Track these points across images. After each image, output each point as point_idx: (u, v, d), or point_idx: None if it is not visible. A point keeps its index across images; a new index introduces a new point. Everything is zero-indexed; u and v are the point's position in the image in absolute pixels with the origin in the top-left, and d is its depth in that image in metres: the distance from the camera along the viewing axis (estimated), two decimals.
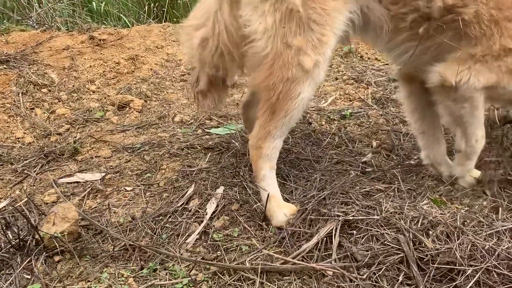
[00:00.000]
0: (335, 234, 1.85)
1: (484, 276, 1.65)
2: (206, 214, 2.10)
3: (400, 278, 1.69)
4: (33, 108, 3.23)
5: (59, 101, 3.31)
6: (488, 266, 1.67)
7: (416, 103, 2.29)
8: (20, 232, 1.93)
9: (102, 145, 2.80)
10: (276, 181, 2.09)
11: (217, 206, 2.15)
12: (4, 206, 2.24)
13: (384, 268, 1.72)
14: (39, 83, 3.44)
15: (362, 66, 3.88)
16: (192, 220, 2.08)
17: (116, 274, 1.81)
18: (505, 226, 1.85)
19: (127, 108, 3.24)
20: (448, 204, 2.07)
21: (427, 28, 1.93)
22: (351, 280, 1.70)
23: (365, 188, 2.16)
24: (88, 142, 2.83)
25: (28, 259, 1.86)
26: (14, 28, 4.37)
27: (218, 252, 1.89)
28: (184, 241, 1.96)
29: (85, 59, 3.78)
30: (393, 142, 2.69)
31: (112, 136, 2.91)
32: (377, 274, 1.71)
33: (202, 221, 2.06)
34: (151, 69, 3.74)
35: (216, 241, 1.95)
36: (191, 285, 1.74)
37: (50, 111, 3.20)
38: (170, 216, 2.11)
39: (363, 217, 1.91)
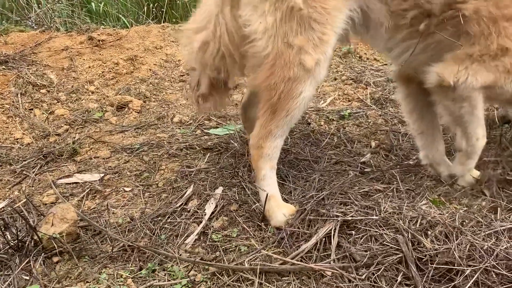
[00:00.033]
0: (334, 235, 1.85)
1: (482, 276, 1.65)
2: (205, 214, 2.10)
3: (399, 279, 1.69)
4: (32, 109, 3.22)
5: (58, 102, 3.31)
6: (486, 266, 1.67)
7: (414, 103, 2.29)
8: (18, 233, 1.93)
9: (101, 145, 2.80)
10: (276, 181, 2.09)
11: (216, 206, 2.15)
12: (3, 207, 2.24)
13: (383, 268, 1.72)
14: (38, 83, 3.44)
15: (361, 67, 3.88)
16: (191, 220, 2.08)
17: (115, 275, 1.81)
18: (504, 226, 1.85)
19: (126, 109, 3.24)
20: (447, 204, 2.07)
21: (427, 24, 1.92)
22: (349, 281, 1.70)
23: (364, 188, 2.16)
24: (87, 142, 2.83)
25: (27, 260, 1.86)
26: (13, 28, 4.37)
27: (217, 253, 1.89)
28: (183, 242, 1.96)
29: (84, 59, 3.78)
30: (392, 142, 2.69)
31: (111, 136, 2.91)
32: (375, 275, 1.71)
33: (201, 222, 2.06)
34: (150, 70, 3.74)
35: (215, 241, 1.95)
36: (190, 286, 1.74)
37: (49, 111, 3.20)
38: (169, 217, 2.11)
39: (362, 218, 1.91)
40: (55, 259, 1.90)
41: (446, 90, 1.99)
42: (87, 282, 1.79)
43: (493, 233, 1.82)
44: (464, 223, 1.89)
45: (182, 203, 2.19)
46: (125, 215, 2.16)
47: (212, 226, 2.03)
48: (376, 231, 1.85)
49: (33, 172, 2.54)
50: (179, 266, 1.82)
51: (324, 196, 2.06)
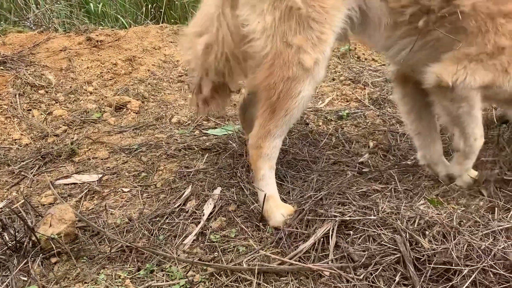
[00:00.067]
0: (332, 235, 1.85)
1: (480, 276, 1.66)
2: (203, 215, 2.10)
3: (397, 279, 1.70)
4: (30, 110, 3.22)
5: (56, 103, 3.31)
6: (484, 266, 1.67)
7: (412, 104, 2.30)
8: (16, 233, 1.93)
9: (99, 146, 2.80)
10: (275, 181, 2.09)
11: (214, 207, 2.15)
12: (1, 208, 2.24)
13: (380, 268, 1.73)
14: (36, 84, 3.43)
15: (359, 67, 3.88)
16: (189, 221, 2.08)
17: (113, 276, 1.81)
18: (501, 226, 1.85)
19: (124, 109, 3.24)
20: (445, 204, 2.07)
21: (426, 21, 1.92)
22: (348, 281, 1.70)
23: (362, 188, 2.16)
24: (85, 143, 2.83)
25: (25, 261, 1.86)
26: (11, 29, 4.37)
27: (215, 253, 1.89)
28: (181, 242, 1.96)
29: (82, 60, 3.78)
30: (389, 142, 2.70)
31: (109, 137, 2.91)
32: (373, 275, 1.71)
33: (199, 222, 2.06)
34: (148, 70, 3.74)
35: (213, 242, 1.95)
36: (188, 286, 1.74)
37: (47, 112, 3.20)
38: (167, 217, 2.11)
39: (360, 218, 1.91)
40: (53, 259, 1.90)
41: (445, 91, 1.99)
42: (85, 282, 1.79)
43: (491, 233, 1.82)
44: (462, 223, 1.89)
45: (181, 204, 2.19)
46: (123, 216, 2.16)
47: (210, 227, 2.04)
48: (374, 231, 1.85)
49: (31, 173, 2.54)
50: (177, 267, 1.82)
51: (322, 196, 2.07)
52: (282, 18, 1.87)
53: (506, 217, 1.95)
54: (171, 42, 4.12)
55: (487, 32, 1.89)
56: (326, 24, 1.89)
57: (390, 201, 2.04)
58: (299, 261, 1.79)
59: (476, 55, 1.92)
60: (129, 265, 1.86)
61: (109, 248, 1.94)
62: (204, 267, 1.81)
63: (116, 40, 4.00)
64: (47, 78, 3.53)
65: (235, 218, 2.07)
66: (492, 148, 2.46)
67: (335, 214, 1.93)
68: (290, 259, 1.79)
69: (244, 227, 2.02)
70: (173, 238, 2.00)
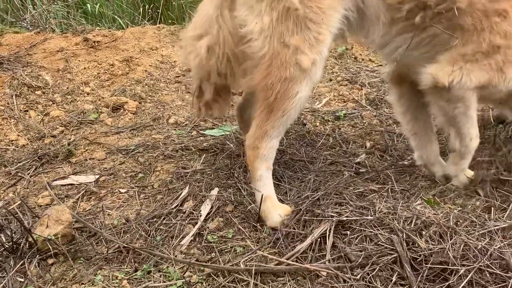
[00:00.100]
0: (329, 235, 1.86)
1: (476, 275, 1.66)
2: (201, 215, 2.10)
3: (394, 279, 1.70)
4: (27, 110, 3.21)
5: (53, 103, 3.30)
6: (480, 265, 1.68)
7: (408, 104, 2.30)
8: (13, 235, 1.93)
9: (96, 147, 2.80)
10: (272, 181, 2.09)
11: (212, 207, 2.15)
12: None
13: (377, 268, 1.73)
14: (33, 85, 3.43)
15: (356, 67, 3.89)
16: (186, 221, 2.08)
17: (110, 276, 1.81)
18: (498, 225, 1.86)
19: (122, 110, 3.24)
20: (441, 204, 2.08)
21: (423, 17, 1.93)
22: (344, 281, 1.71)
23: (359, 188, 2.17)
24: (82, 144, 2.83)
25: (22, 262, 1.85)
26: (8, 30, 4.35)
27: (213, 254, 1.89)
28: (178, 243, 1.96)
29: (79, 61, 3.77)
30: (386, 142, 2.70)
31: (106, 138, 2.90)
32: (370, 275, 1.72)
33: (196, 223, 2.06)
34: (145, 71, 3.73)
35: (211, 242, 1.95)
36: (185, 287, 1.74)
37: (44, 113, 3.19)
38: (164, 218, 2.11)
39: (357, 218, 1.92)
40: (50, 261, 1.89)
41: (441, 91, 2.00)
42: (82, 283, 1.79)
43: (487, 233, 1.83)
44: (458, 223, 1.90)
45: (178, 204, 2.19)
46: (120, 217, 2.16)
47: (208, 227, 2.04)
48: (371, 231, 1.86)
49: (28, 174, 2.54)
50: (174, 267, 1.82)
51: (319, 196, 2.07)
52: (280, 19, 1.87)
53: (502, 217, 1.96)
54: (168, 42, 4.12)
55: (482, 31, 1.90)
56: (323, 25, 1.90)
57: (387, 201, 2.05)
58: (296, 261, 1.80)
59: (471, 55, 1.93)
60: (126, 266, 1.86)
61: (106, 249, 1.94)
62: (201, 268, 1.81)
63: (113, 40, 4.00)
64: (44, 79, 3.52)
65: (232, 218, 2.07)
66: (488, 148, 2.47)
67: (332, 214, 1.94)
68: (287, 259, 1.79)
69: (241, 227, 2.02)
70: (170, 238, 1.99)
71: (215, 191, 2.25)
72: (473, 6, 1.88)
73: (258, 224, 2.03)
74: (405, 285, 1.69)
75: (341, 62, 3.97)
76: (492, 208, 2.02)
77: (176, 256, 1.87)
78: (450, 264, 1.69)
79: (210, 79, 2.19)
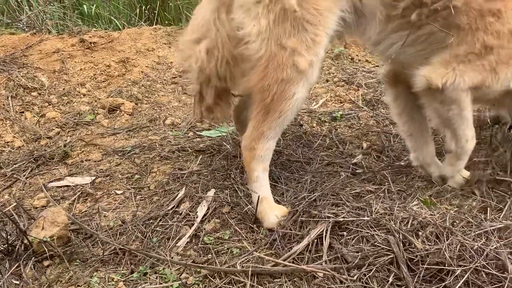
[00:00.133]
0: (325, 236, 1.86)
1: (473, 276, 1.67)
2: (197, 217, 2.10)
3: (390, 279, 1.70)
4: (23, 112, 3.20)
5: (49, 105, 3.29)
6: (476, 266, 1.68)
7: (403, 105, 2.30)
8: (8, 237, 1.92)
9: (93, 148, 2.79)
10: (268, 183, 2.09)
11: (208, 209, 2.14)
12: None
13: (374, 269, 1.73)
14: (29, 86, 3.41)
15: (352, 68, 3.90)
16: (182, 223, 2.08)
17: (106, 278, 1.80)
18: (494, 226, 1.86)
19: (118, 111, 3.23)
20: (438, 205, 2.08)
21: (419, 14, 1.93)
22: (341, 282, 1.70)
23: (356, 189, 2.17)
24: (78, 145, 2.82)
25: (17, 264, 1.84)
26: (4, 31, 4.34)
27: (209, 255, 1.89)
28: (174, 245, 1.96)
29: (75, 62, 3.77)
30: (383, 143, 2.71)
31: (102, 139, 2.90)
32: (367, 276, 1.72)
33: (193, 224, 2.06)
34: (142, 72, 3.73)
35: (207, 244, 1.95)
36: None
37: (40, 114, 3.18)
38: (160, 220, 2.10)
39: (354, 219, 1.92)
40: (46, 263, 1.88)
41: (434, 93, 2.00)
42: (78, 286, 1.78)
43: (483, 233, 1.83)
44: (455, 223, 1.90)
45: (174, 206, 2.19)
46: (117, 218, 2.15)
47: (204, 229, 2.03)
48: (367, 232, 1.86)
49: (24, 176, 2.52)
50: (170, 269, 1.81)
51: (316, 197, 2.07)
52: (277, 21, 1.87)
53: (499, 217, 1.96)
54: (165, 43, 4.12)
55: (477, 30, 1.90)
56: (320, 26, 1.90)
57: (384, 202, 2.05)
58: (293, 262, 1.79)
59: (464, 56, 1.94)
60: (122, 267, 1.85)
61: (102, 251, 1.93)
62: (198, 269, 1.80)
63: (110, 42, 3.99)
64: (40, 80, 3.51)
65: (229, 220, 2.07)
66: (485, 149, 2.47)
67: (329, 215, 1.93)
68: (284, 260, 1.79)
69: (238, 229, 2.01)
70: (166, 240, 1.99)
71: (211, 192, 2.25)
72: (469, 5, 1.89)
73: (254, 225, 2.02)
74: (402, 286, 1.69)
75: (337, 63, 3.98)
76: (488, 209, 2.03)
77: (172, 257, 1.87)
78: (446, 265, 1.69)
79: (210, 83, 2.19)
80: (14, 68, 3.56)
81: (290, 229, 1.93)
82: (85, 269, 1.85)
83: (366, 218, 1.91)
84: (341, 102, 3.38)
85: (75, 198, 2.32)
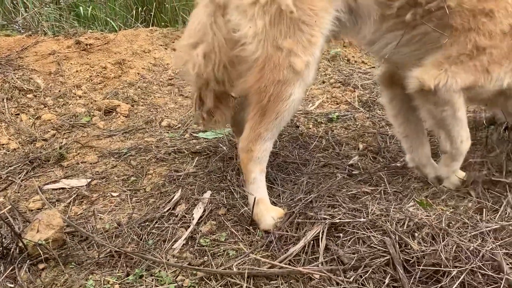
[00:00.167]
0: (322, 237, 1.86)
1: (468, 277, 1.67)
2: (193, 219, 2.09)
3: (386, 281, 1.70)
4: (18, 114, 3.19)
5: (45, 107, 3.28)
6: (472, 267, 1.68)
7: (399, 107, 2.31)
8: (3, 240, 1.91)
9: (88, 150, 2.78)
10: (265, 184, 2.09)
11: (204, 211, 2.14)
12: None
13: (370, 270, 1.73)
14: (25, 88, 3.40)
15: (349, 69, 3.90)
16: (178, 225, 2.07)
17: (102, 281, 1.79)
18: (489, 227, 1.87)
19: (114, 113, 3.22)
20: (434, 206, 2.08)
21: (414, 14, 1.93)
22: (337, 283, 1.70)
23: (352, 190, 2.17)
24: (74, 147, 2.81)
25: (11, 268, 1.83)
26: None
27: (205, 257, 1.88)
28: (170, 247, 1.95)
29: (71, 64, 3.76)
30: (379, 144, 2.71)
31: (98, 141, 2.89)
32: (363, 277, 1.72)
33: (189, 226, 2.05)
34: (138, 74, 3.72)
35: (203, 246, 1.94)
36: None
37: (36, 116, 3.17)
38: (156, 222, 2.10)
39: (350, 220, 1.92)
40: (41, 266, 1.87)
41: (427, 94, 2.01)
42: None
43: (479, 234, 1.83)
44: (451, 224, 1.90)
45: (170, 208, 2.18)
46: (112, 221, 2.14)
47: (200, 231, 2.03)
48: (363, 234, 1.86)
49: (19, 178, 2.51)
50: (166, 272, 1.81)
51: (312, 199, 2.07)
52: (273, 22, 1.87)
53: (494, 218, 1.97)
54: (161, 45, 4.11)
55: (469, 31, 1.91)
56: (316, 27, 1.90)
57: (380, 203, 2.05)
58: (289, 264, 1.79)
59: (456, 57, 1.94)
60: (118, 270, 1.85)
61: (98, 254, 1.92)
62: (194, 272, 1.80)
63: (106, 43, 3.98)
64: (35, 82, 3.50)
65: (225, 222, 2.06)
66: (480, 150, 2.48)
67: (325, 216, 1.93)
68: (280, 262, 1.79)
69: (234, 230, 2.01)
70: (162, 242, 1.98)
71: (207, 194, 2.24)
72: (462, 5, 1.89)
73: (251, 227, 2.02)
74: (398, 287, 1.69)
75: (334, 64, 3.98)
76: (484, 209, 2.03)
77: (168, 260, 1.86)
78: (442, 266, 1.69)
79: (209, 87, 2.18)
80: (9, 70, 3.54)
81: (287, 231, 1.93)
82: (81, 272, 1.84)
83: (362, 219, 1.91)
84: (337, 104, 3.39)
85: (70, 201, 2.31)
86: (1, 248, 1.88)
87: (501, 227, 1.87)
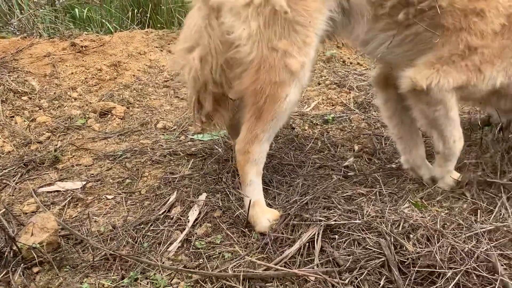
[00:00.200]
0: (317, 239, 1.85)
1: (463, 278, 1.67)
2: (188, 221, 2.09)
3: (382, 282, 1.70)
4: (13, 116, 3.18)
5: (40, 109, 3.27)
6: (467, 268, 1.69)
7: (394, 109, 2.32)
8: None
9: (83, 153, 2.77)
10: (261, 186, 2.08)
11: (200, 213, 2.13)
12: None
13: (365, 272, 1.73)
14: (19, 90, 3.39)
15: (344, 71, 3.91)
16: (174, 228, 2.06)
17: (97, 284, 1.78)
18: (484, 228, 1.87)
19: (109, 115, 3.21)
20: (429, 207, 2.09)
21: (406, 13, 1.94)
22: (333, 285, 1.70)
23: (347, 192, 2.17)
24: (69, 150, 2.80)
25: (5, 271, 1.82)
26: None
27: (200, 260, 1.88)
28: (165, 250, 1.94)
29: (66, 66, 3.74)
30: (374, 146, 2.71)
31: (93, 143, 2.88)
32: (359, 279, 1.72)
33: (184, 229, 2.05)
34: (133, 76, 3.71)
35: (199, 248, 1.94)
36: None
37: (31, 119, 3.16)
38: (151, 224, 2.09)
39: (345, 222, 1.92)
40: (35, 269, 1.86)
41: (420, 94, 2.01)
42: None
43: (474, 235, 1.84)
44: (446, 226, 1.91)
45: (165, 210, 2.17)
46: (107, 223, 2.13)
47: (196, 233, 2.02)
48: (359, 235, 1.86)
49: (13, 181, 2.50)
50: (161, 274, 1.80)
51: (307, 200, 2.07)
52: (267, 24, 1.87)
53: (489, 219, 1.97)
54: (157, 47, 4.11)
55: (461, 31, 1.92)
56: (310, 27, 1.90)
57: (375, 205, 2.05)
58: (284, 266, 1.79)
59: (448, 57, 1.95)
60: (113, 273, 1.84)
61: (93, 257, 1.91)
62: (189, 274, 1.79)
63: (101, 45, 3.98)
64: (30, 84, 3.48)
65: (221, 224, 2.06)
66: (475, 151, 2.49)
67: (320, 218, 1.93)
68: (276, 264, 1.78)
69: (229, 233, 2.01)
70: (157, 245, 1.98)
71: (203, 197, 2.24)
72: (454, 5, 1.90)
73: (246, 229, 2.02)
74: None
75: (329, 66, 3.99)
76: (479, 211, 2.04)
77: (163, 262, 1.86)
78: (437, 267, 1.70)
79: (208, 89, 2.18)
80: (4, 72, 3.53)
81: (282, 233, 1.93)
82: (75, 275, 1.84)
83: (357, 221, 1.91)
84: (332, 105, 3.39)
85: (65, 203, 2.30)
86: None
87: (496, 228, 1.88)
